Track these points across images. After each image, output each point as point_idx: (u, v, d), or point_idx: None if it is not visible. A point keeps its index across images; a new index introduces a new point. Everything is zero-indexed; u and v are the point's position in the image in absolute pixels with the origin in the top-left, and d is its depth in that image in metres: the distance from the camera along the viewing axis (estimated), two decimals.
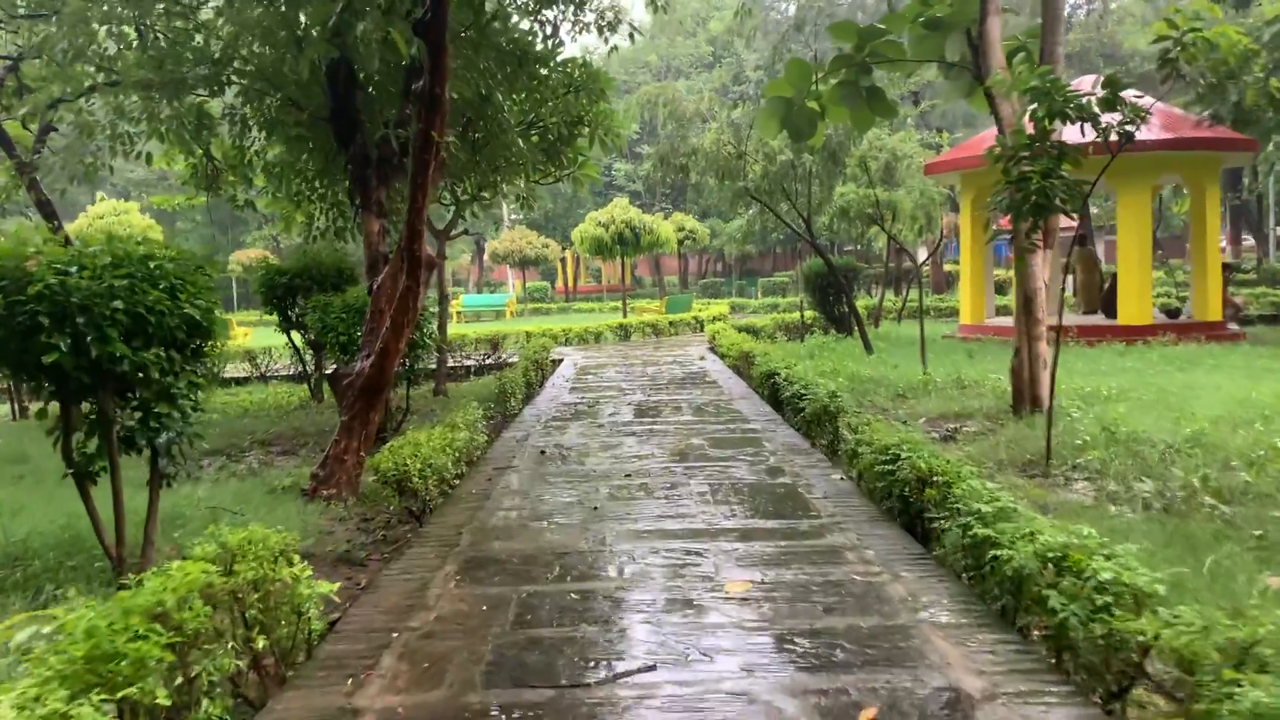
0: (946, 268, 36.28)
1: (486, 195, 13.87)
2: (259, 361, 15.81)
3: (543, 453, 7.95)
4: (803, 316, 18.36)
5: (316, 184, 11.42)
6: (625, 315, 24.99)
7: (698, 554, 4.75)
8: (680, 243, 28.71)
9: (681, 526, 5.30)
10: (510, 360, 16.22)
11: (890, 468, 5.56)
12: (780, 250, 50.19)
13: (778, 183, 16.23)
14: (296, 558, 3.85)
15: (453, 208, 13.95)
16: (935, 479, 4.98)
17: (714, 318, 24.41)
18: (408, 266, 7.14)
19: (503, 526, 5.50)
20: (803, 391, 8.85)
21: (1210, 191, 17.87)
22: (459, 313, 35.54)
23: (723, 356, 16.23)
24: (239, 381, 15.34)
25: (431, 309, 10.44)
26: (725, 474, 6.75)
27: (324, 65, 10.35)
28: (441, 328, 13.48)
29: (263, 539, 3.75)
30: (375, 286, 7.59)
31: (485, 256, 38.95)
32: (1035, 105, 7.26)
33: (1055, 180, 7.20)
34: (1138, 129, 7.28)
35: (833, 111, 11.39)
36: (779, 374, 10.19)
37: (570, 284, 49.47)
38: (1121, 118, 7.18)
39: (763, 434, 8.57)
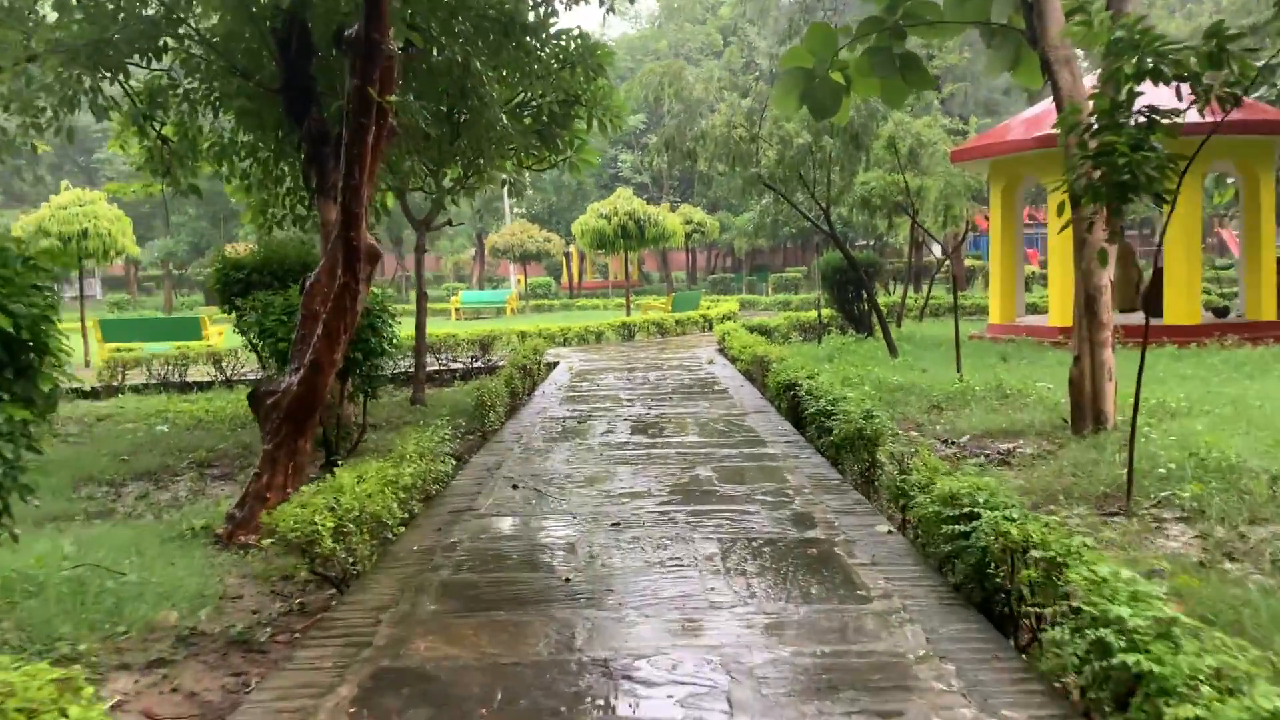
0: (966, 263, 34.73)
1: (473, 182, 12.54)
2: (224, 365, 14.44)
3: (515, 486, 6.54)
4: (820, 315, 16.94)
5: (270, 166, 10.06)
6: (629, 313, 23.57)
7: (709, 686, 3.26)
8: (688, 236, 27.24)
9: (684, 618, 3.87)
10: (502, 364, 14.85)
11: (961, 528, 4.15)
12: (791, 244, 48.67)
13: (794, 169, 14.79)
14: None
15: (434, 196, 12.59)
16: (1034, 553, 3.57)
17: (723, 316, 22.99)
18: (344, 259, 5.76)
19: (437, 614, 4.08)
20: (830, 408, 7.44)
21: (1265, 180, 16.36)
22: (457, 309, 34.19)
23: (733, 360, 14.80)
24: (202, 386, 13.96)
25: (394, 309, 9.03)
26: (740, 524, 5.31)
27: (274, 27, 8.99)
28: (419, 328, 12.09)
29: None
30: (308, 284, 6.20)
31: (486, 251, 37.57)
32: (1116, 63, 5.82)
33: (1147, 153, 5.76)
34: (1244, 93, 5.89)
35: (860, 83, 9.94)
36: (800, 385, 8.78)
37: (575, 280, 48.06)
38: (1228, 76, 5.76)
39: (783, 462, 7.15)
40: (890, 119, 15.71)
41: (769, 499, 5.87)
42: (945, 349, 16.38)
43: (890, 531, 5.12)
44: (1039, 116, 17.50)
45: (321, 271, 6.19)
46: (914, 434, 8.71)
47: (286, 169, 10.37)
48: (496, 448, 8.26)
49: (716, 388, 11.75)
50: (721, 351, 16.72)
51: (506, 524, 5.60)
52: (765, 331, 17.96)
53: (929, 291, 23.22)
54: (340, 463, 7.19)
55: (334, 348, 5.79)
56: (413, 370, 12.10)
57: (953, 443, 8.51)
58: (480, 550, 5.04)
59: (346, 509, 4.49)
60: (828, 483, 6.40)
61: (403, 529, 5.46)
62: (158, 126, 10.24)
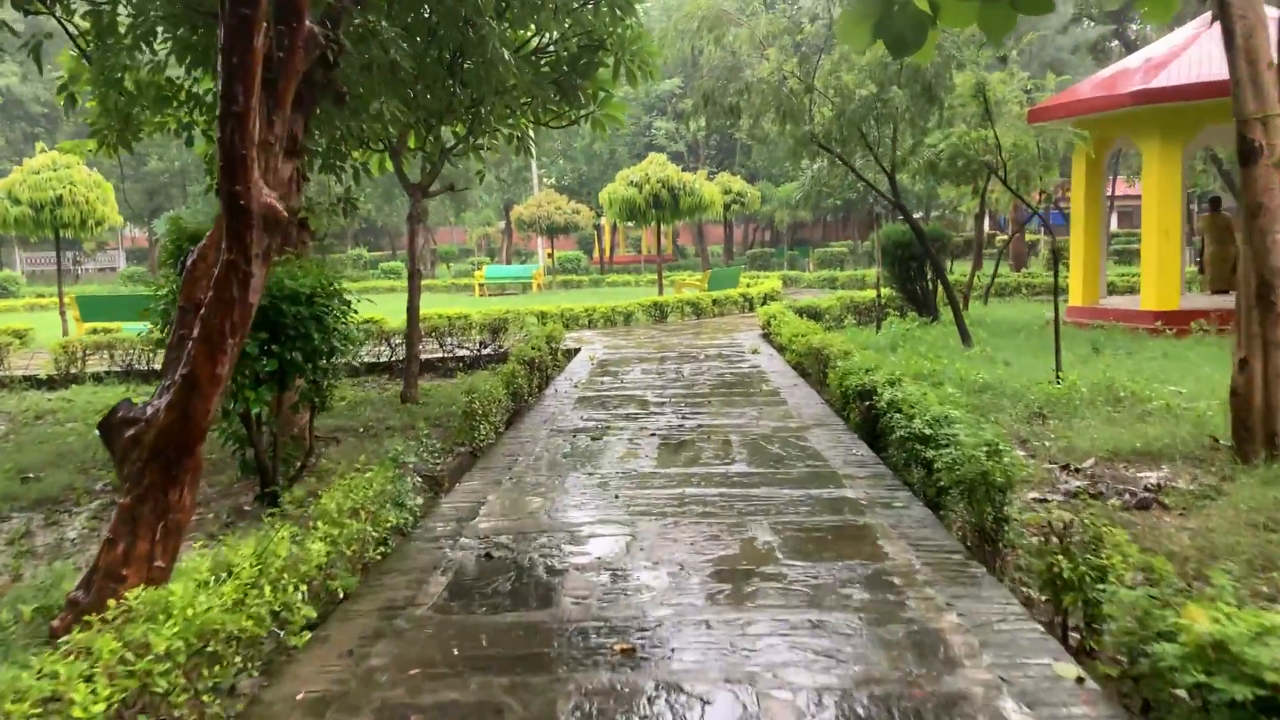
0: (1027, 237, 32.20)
1: (481, 140, 10.60)
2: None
3: (487, 556, 4.58)
4: (879, 295, 14.82)
5: (215, 110, 8.15)
6: (661, 291, 21.52)
7: None
8: (726, 207, 24.99)
9: None
10: (512, 349, 12.95)
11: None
12: (831, 219, 46.13)
13: (855, 126, 12.63)
14: None
15: (432, 157, 10.67)
16: None
17: (765, 296, 20.87)
18: (229, 225, 3.83)
19: None
20: (931, 432, 5.44)
21: None
22: (482, 285, 32.37)
23: (781, 349, 12.76)
24: (147, 377, 12.07)
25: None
26: (831, 662, 3.28)
27: None
28: (412, 313, 10.20)
29: None
30: (188, 262, 4.28)
31: (512, 224, 35.64)
32: None
33: None
34: None
35: (950, 10, 7.79)
36: (878, 394, 6.76)
37: (607, 254, 46.01)
38: None
39: (871, 514, 5.13)
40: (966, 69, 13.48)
41: (864, 596, 3.86)
42: (1025, 336, 14.24)
43: (1081, 680, 3.09)
44: (1114, 78, 15.25)
45: (208, 245, 4.26)
46: (1020, 454, 6.66)
47: None
48: (479, 479, 6.33)
49: (765, 387, 9.73)
50: (766, 338, 14.68)
51: (458, 642, 3.61)
52: (815, 314, 15.87)
53: (995, 269, 20.92)
54: (282, 493, 5.33)
55: (217, 356, 3.87)
56: (405, 361, 10.24)
57: (1075, 469, 6.50)
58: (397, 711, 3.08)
59: (163, 653, 2.58)
60: (947, 559, 4.38)
61: (307, 634, 3.55)
62: (116, 70, 8.39)
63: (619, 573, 4.22)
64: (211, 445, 5.85)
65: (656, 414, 8.23)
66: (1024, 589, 4.13)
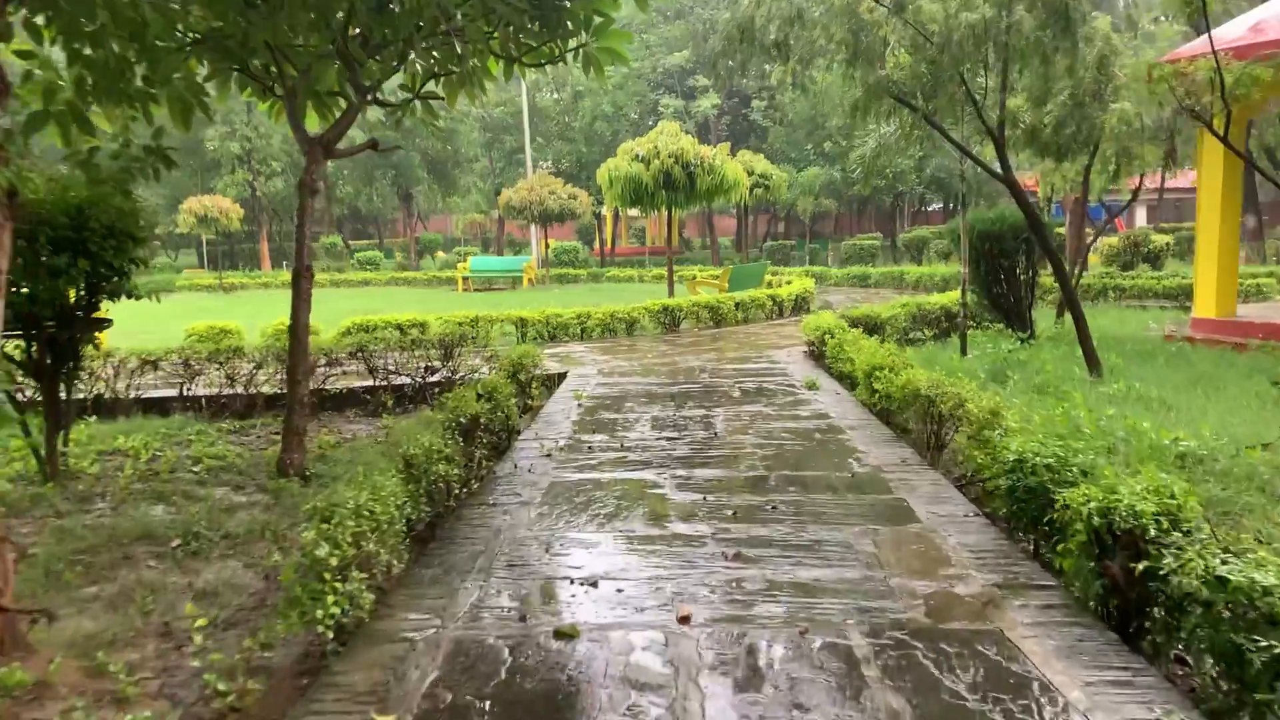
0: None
1: (432, 86, 7.11)
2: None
3: None
4: (965, 302, 11.12)
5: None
6: (671, 292, 17.75)
7: None
8: (748, 190, 21.10)
9: None
10: (481, 372, 9.28)
11: None
12: (845, 210, 42.10)
13: (955, 68, 8.93)
14: None
15: (345, 101, 7.12)
16: None
17: (797, 298, 17.13)
18: None
19: None
20: None
21: None
22: (465, 279, 28.66)
23: (843, 378, 9.12)
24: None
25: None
26: None
27: None
28: (296, 331, 6.55)
29: None
30: None
31: (501, 211, 31.86)
32: None
33: None
34: None
35: None
36: (1156, 547, 3.07)
37: (609, 245, 42.18)
38: None
39: None
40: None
41: None
42: (1162, 359, 10.58)
43: None
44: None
45: None
46: None
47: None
48: None
49: (857, 467, 5.96)
50: (815, 357, 10.99)
51: None
52: (872, 326, 12.17)
53: (1077, 271, 17.18)
54: None
55: None
56: (286, 411, 6.53)
57: None
58: None
59: None
60: None
61: None
62: None
63: None
64: None
65: (686, 543, 4.51)
66: None
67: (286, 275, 33.81)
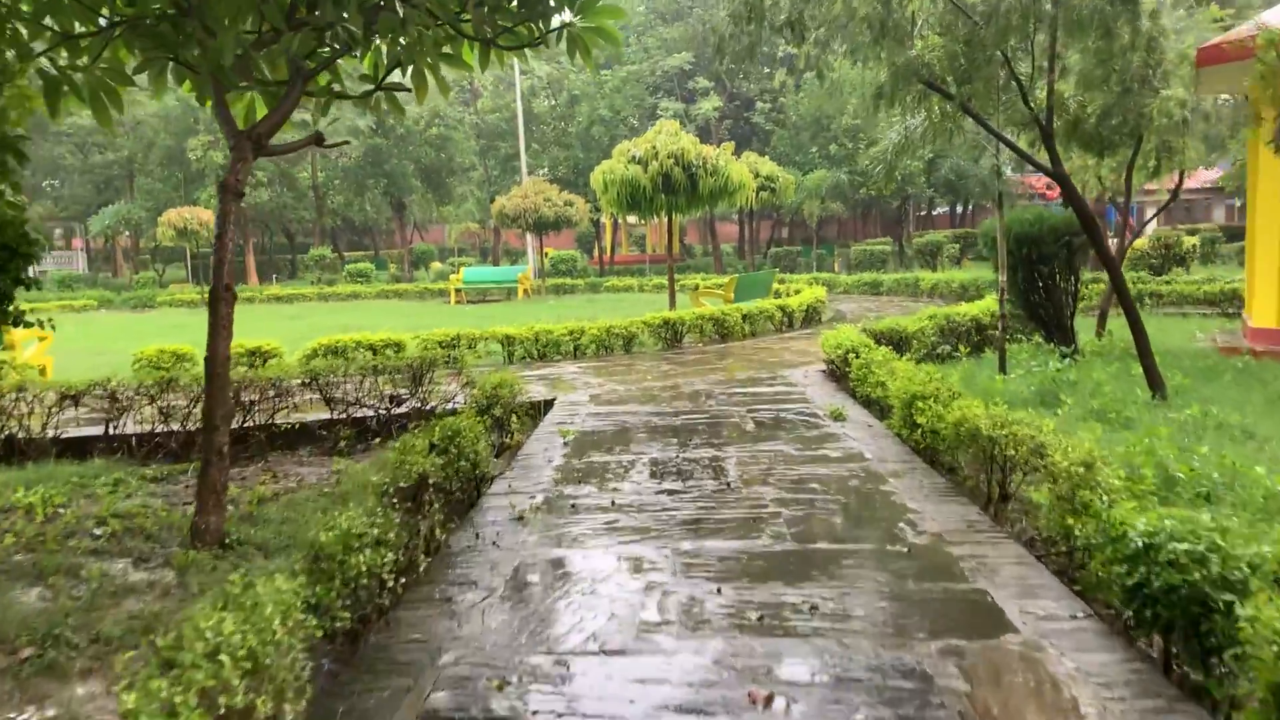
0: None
1: (399, 77, 5.93)
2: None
3: None
4: (1004, 314, 9.89)
5: None
6: (672, 304, 16.52)
7: None
8: (754, 194, 19.84)
9: None
10: (456, 402, 8.07)
11: None
12: (848, 215, 40.80)
13: (999, 46, 7.72)
14: None
15: (279, 87, 5.93)
16: None
17: (808, 308, 15.90)
18: None
19: None
20: None
21: None
22: (458, 290, 27.46)
23: (871, 404, 7.87)
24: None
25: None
26: None
27: None
28: (212, 363, 5.32)
29: None
30: None
31: (494, 219, 30.63)
32: None
33: None
34: None
35: None
36: None
37: (608, 253, 40.95)
38: None
39: None
40: None
41: None
42: (1229, 376, 9.36)
43: None
44: None
45: None
46: None
47: None
48: None
49: (905, 527, 4.73)
50: (836, 378, 9.76)
51: None
52: (897, 341, 10.94)
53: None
54: None
55: None
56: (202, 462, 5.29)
57: None
58: None
59: None
60: None
61: None
62: None
63: None
64: None
65: (693, 672, 3.27)
66: None
67: (274, 289, 32.56)
